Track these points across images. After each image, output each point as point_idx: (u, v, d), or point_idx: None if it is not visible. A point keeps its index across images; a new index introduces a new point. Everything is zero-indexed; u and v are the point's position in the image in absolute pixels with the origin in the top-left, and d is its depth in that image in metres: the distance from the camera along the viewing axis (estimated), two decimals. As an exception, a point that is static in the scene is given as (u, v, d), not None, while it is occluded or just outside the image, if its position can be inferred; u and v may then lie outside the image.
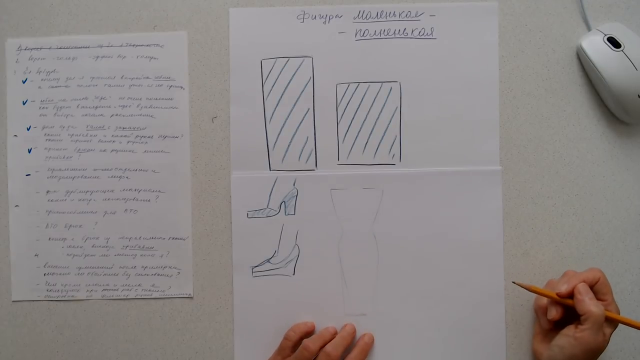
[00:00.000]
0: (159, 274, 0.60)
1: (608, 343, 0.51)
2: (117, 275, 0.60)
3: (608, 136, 0.60)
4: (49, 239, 0.61)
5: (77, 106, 0.61)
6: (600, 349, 0.51)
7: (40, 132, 0.61)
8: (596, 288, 0.53)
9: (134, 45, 0.61)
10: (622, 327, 0.52)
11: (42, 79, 0.61)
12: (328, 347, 0.55)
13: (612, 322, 0.52)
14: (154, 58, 0.61)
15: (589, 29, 0.60)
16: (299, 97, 0.60)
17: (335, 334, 0.58)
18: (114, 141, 0.61)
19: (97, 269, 0.61)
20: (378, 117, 0.60)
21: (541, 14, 0.60)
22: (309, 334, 0.58)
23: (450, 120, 0.59)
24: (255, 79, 0.60)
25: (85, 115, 0.61)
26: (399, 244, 0.59)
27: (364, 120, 0.60)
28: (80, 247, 0.61)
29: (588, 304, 0.50)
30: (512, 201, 0.59)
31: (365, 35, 0.60)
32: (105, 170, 0.61)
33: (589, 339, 0.50)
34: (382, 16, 0.60)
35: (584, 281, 0.52)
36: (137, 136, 0.61)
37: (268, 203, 0.60)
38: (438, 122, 0.59)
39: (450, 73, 0.59)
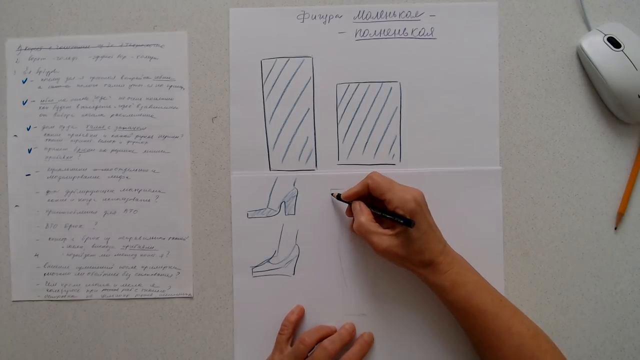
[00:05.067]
0: (159, 274, 0.60)
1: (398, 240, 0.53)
2: (117, 275, 0.61)
3: (608, 136, 0.60)
4: (49, 239, 0.61)
5: (77, 106, 0.61)
6: (389, 246, 0.52)
7: (40, 132, 0.61)
8: (375, 194, 0.55)
9: (134, 45, 0.61)
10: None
11: (42, 79, 0.61)
12: (325, 342, 0.55)
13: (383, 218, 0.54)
14: (154, 58, 0.61)
15: (589, 29, 0.60)
16: (299, 97, 0.60)
17: (334, 331, 0.58)
18: (114, 141, 0.61)
19: (97, 269, 0.61)
20: (378, 117, 0.60)
21: (541, 14, 0.60)
22: (300, 318, 0.58)
23: (450, 120, 0.59)
24: (255, 79, 0.60)
25: (85, 115, 0.61)
26: (399, 244, 0.59)
27: (364, 120, 0.60)
28: (80, 247, 0.61)
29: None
30: (512, 201, 0.59)
31: (365, 35, 0.60)
32: (105, 170, 0.61)
33: (376, 251, 0.54)
34: (382, 16, 0.60)
35: (358, 193, 0.56)
36: (137, 136, 0.61)
37: (268, 203, 0.60)
38: (438, 122, 0.59)
39: (450, 73, 0.59)
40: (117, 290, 0.61)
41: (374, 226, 0.54)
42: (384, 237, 0.53)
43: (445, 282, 0.52)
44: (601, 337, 0.59)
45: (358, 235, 0.55)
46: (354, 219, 0.56)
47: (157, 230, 0.60)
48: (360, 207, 0.55)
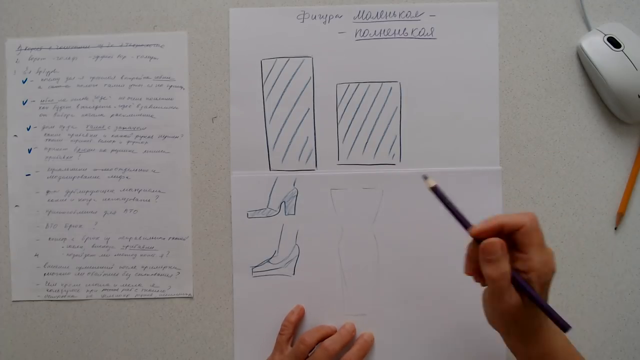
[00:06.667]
0: (159, 274, 0.60)
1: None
2: (117, 275, 0.61)
3: (608, 136, 0.60)
4: (49, 239, 0.61)
5: (77, 106, 0.61)
6: (511, 312, 0.44)
7: (40, 132, 0.61)
8: (517, 237, 0.44)
9: (134, 45, 0.61)
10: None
11: (42, 79, 0.61)
12: (326, 342, 0.55)
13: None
14: (154, 58, 0.61)
15: (589, 29, 0.60)
16: (299, 97, 0.60)
17: (334, 331, 0.58)
18: (114, 141, 0.61)
19: (97, 269, 0.61)
20: (378, 117, 0.60)
21: (541, 14, 0.60)
22: (300, 318, 0.58)
23: (450, 120, 0.59)
24: (255, 79, 0.60)
25: (85, 115, 0.61)
26: (399, 244, 0.59)
27: (364, 120, 0.60)
28: (80, 247, 0.61)
29: (484, 267, 0.44)
30: (512, 201, 0.59)
31: (365, 35, 0.60)
32: (105, 170, 0.61)
33: (493, 303, 0.45)
34: (382, 16, 0.60)
35: (503, 227, 0.45)
36: (137, 136, 0.61)
37: (268, 203, 0.60)
38: (438, 122, 0.59)
39: (450, 73, 0.59)
40: (117, 290, 0.61)
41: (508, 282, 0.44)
42: (514, 299, 0.44)
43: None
44: (601, 337, 0.59)
45: (489, 283, 0.45)
46: (477, 261, 0.46)
47: (157, 230, 0.60)
48: (503, 251, 0.44)
